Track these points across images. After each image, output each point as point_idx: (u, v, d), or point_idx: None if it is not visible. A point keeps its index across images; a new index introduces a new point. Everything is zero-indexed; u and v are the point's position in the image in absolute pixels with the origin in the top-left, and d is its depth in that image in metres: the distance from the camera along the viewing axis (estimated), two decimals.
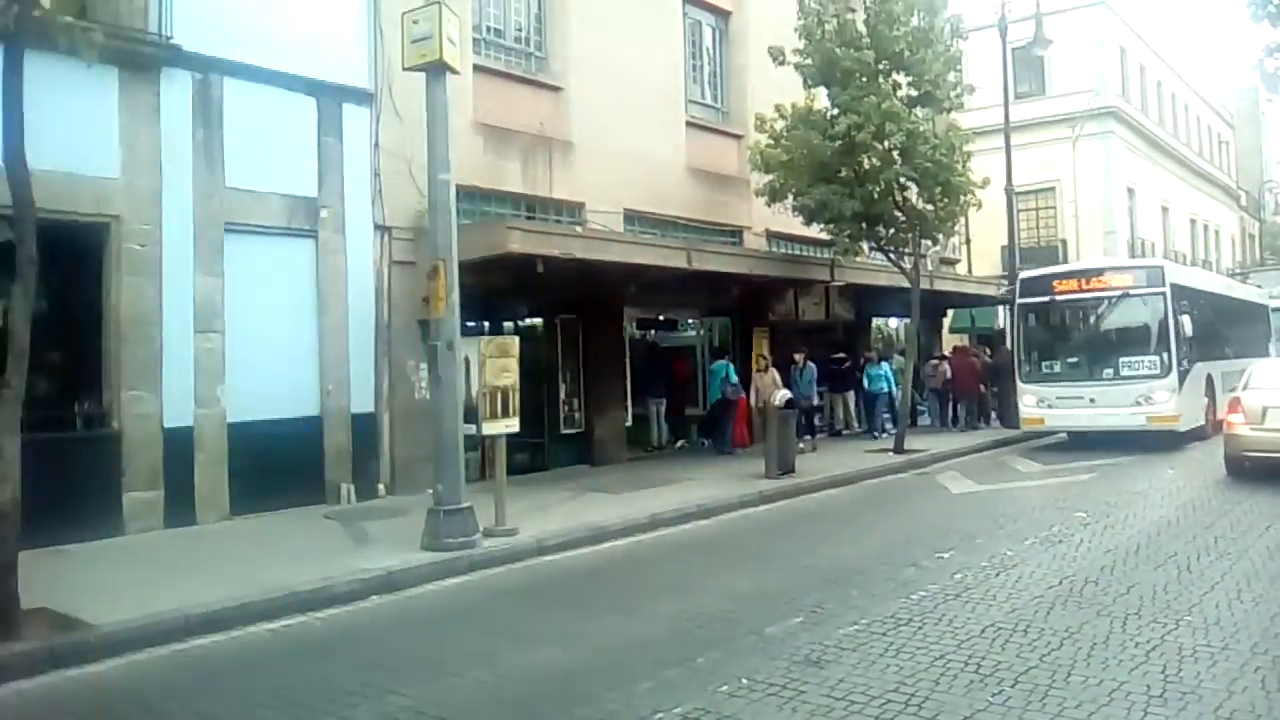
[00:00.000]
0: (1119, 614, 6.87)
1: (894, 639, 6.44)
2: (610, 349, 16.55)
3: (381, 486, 13.14)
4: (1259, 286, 29.47)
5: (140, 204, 10.99)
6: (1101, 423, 17.37)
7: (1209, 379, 18.81)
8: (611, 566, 9.60)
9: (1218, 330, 20.36)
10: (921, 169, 16.42)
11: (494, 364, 10.39)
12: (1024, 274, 19.83)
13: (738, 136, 19.40)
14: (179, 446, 11.15)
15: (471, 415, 10.20)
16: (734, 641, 6.54)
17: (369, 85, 13.21)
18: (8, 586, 6.82)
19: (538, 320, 15.99)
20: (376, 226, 13.29)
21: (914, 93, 16.85)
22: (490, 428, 10.41)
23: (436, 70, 10.03)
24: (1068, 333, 19.15)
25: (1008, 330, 22.04)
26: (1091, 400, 17.47)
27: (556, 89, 16.04)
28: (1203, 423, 18.13)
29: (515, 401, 10.64)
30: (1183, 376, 17.28)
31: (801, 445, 16.14)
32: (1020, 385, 18.69)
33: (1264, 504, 11.13)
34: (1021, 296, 19.19)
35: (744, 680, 5.69)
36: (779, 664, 5.98)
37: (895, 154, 16.24)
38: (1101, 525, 10.28)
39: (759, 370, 17.12)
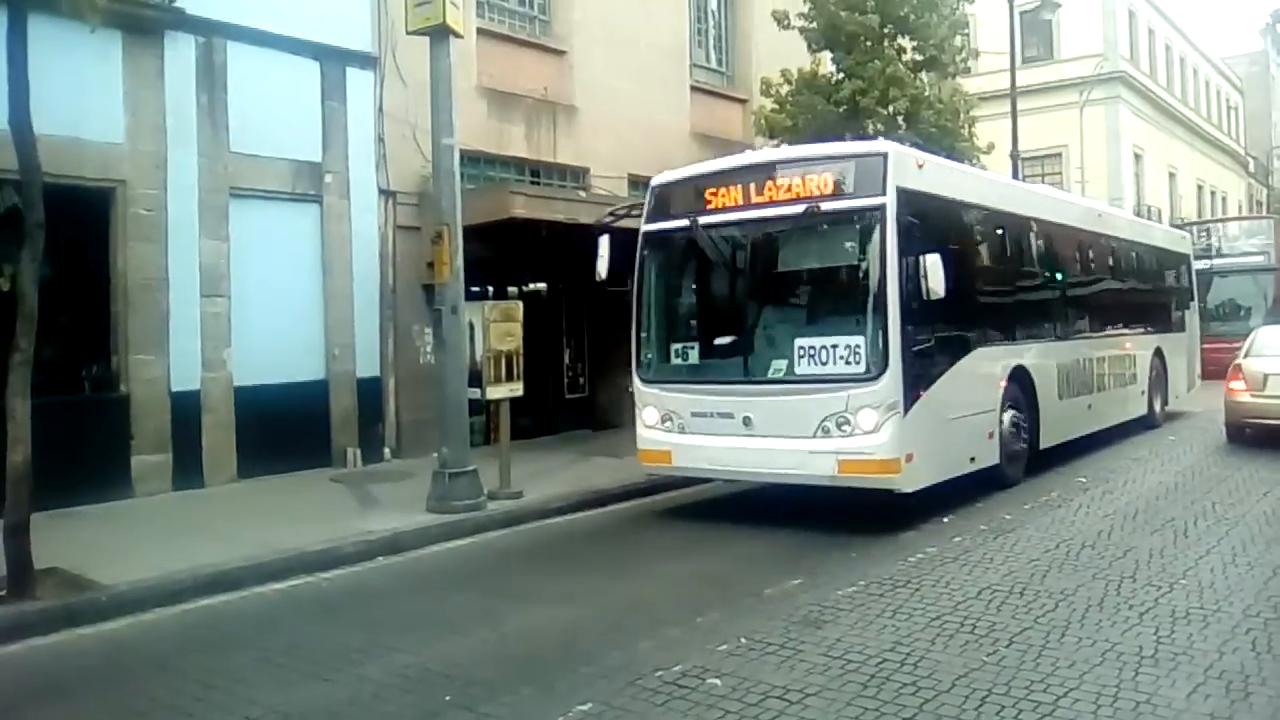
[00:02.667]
0: (1114, 577, 6.96)
1: (891, 600, 6.55)
2: (614, 314, 16.56)
3: (387, 450, 13.26)
4: (1243, 239, 27.75)
5: (145, 169, 11.02)
6: (763, 465, 9.18)
7: (1020, 379, 10.92)
8: (615, 529, 9.72)
9: (1057, 289, 12.59)
10: (926, 134, 16.40)
11: (498, 328, 10.46)
12: (658, 179, 10.47)
13: (742, 101, 19.32)
14: (186, 410, 11.25)
15: (476, 379, 10.28)
16: (734, 602, 6.65)
17: (372, 49, 13.19)
18: (22, 546, 6.93)
19: (542, 285, 16.02)
20: (381, 191, 13.31)
21: (919, 57, 16.83)
22: (494, 392, 10.50)
23: (439, 34, 10.02)
24: (716, 290, 10.26)
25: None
26: (746, 421, 9.16)
27: (560, 53, 15.99)
28: (997, 462, 10.27)
29: (519, 366, 10.72)
30: (918, 377, 8.89)
31: None
32: (637, 387, 10.17)
33: (1263, 470, 11.21)
34: (650, 221, 10.28)
35: (743, 640, 5.80)
36: (777, 624, 6.09)
37: (900, 119, 16.22)
38: (1100, 490, 10.38)
39: None
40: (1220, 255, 26.35)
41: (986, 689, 4.95)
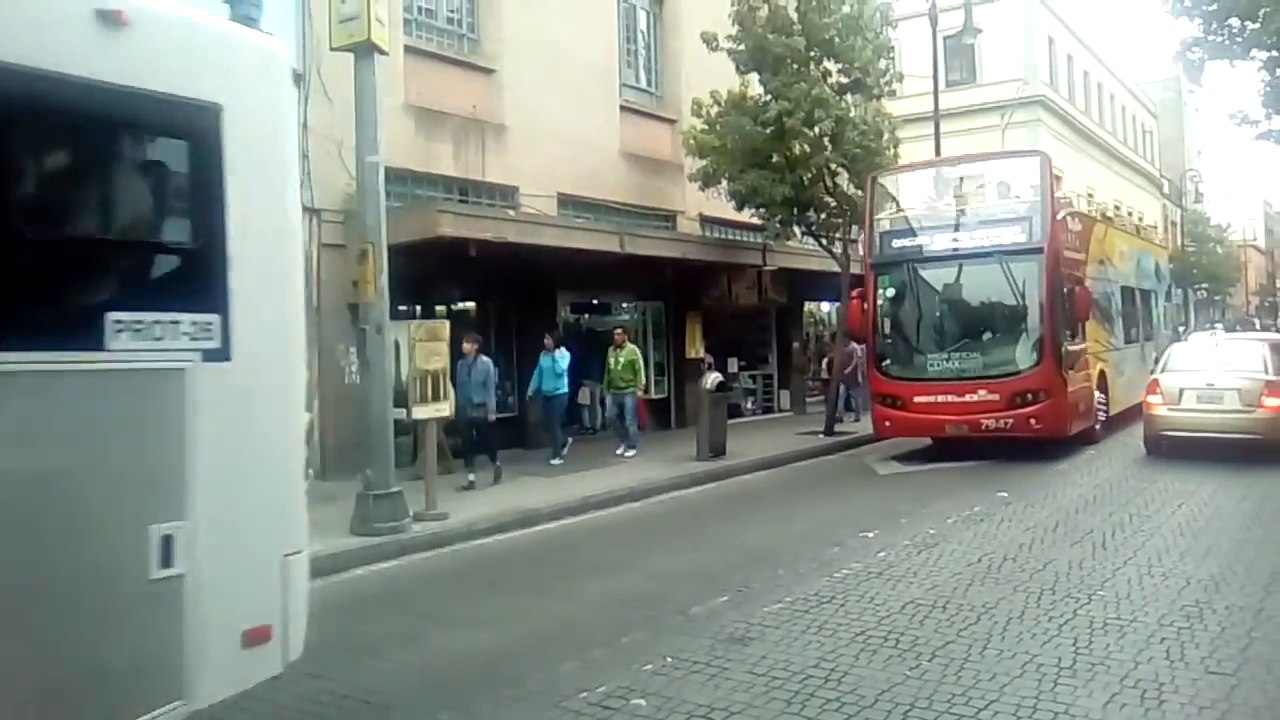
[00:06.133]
0: (1035, 589, 7.07)
1: (817, 616, 6.57)
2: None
3: (311, 472, 12.97)
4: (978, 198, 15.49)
5: None
6: None
7: None
8: (542, 549, 9.63)
9: None
10: (851, 155, 16.62)
11: (424, 348, 10.35)
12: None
13: (671, 121, 19.43)
14: None
15: (401, 399, 10.14)
16: (659, 621, 6.61)
17: (297, 66, 12.98)
18: None
19: (470, 304, 15.90)
20: (305, 209, 13.05)
21: (844, 80, 17.06)
22: (420, 411, 10.36)
23: (365, 51, 9.92)
24: None
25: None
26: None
27: (490, 71, 15.93)
28: None
29: (446, 386, 10.61)
30: None
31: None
32: None
33: (1178, 482, 11.49)
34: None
35: (668, 659, 5.76)
36: (703, 642, 6.07)
37: (825, 140, 16.41)
38: (1022, 504, 10.54)
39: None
40: (933, 228, 14.96)
41: (909, 703, 4.98)
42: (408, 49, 14.47)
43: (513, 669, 5.77)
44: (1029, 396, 13.59)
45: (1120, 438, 15.78)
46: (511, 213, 15.19)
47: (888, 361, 15.09)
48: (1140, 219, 50.41)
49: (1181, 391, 13.32)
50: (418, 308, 13.90)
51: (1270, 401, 12.73)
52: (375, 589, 8.23)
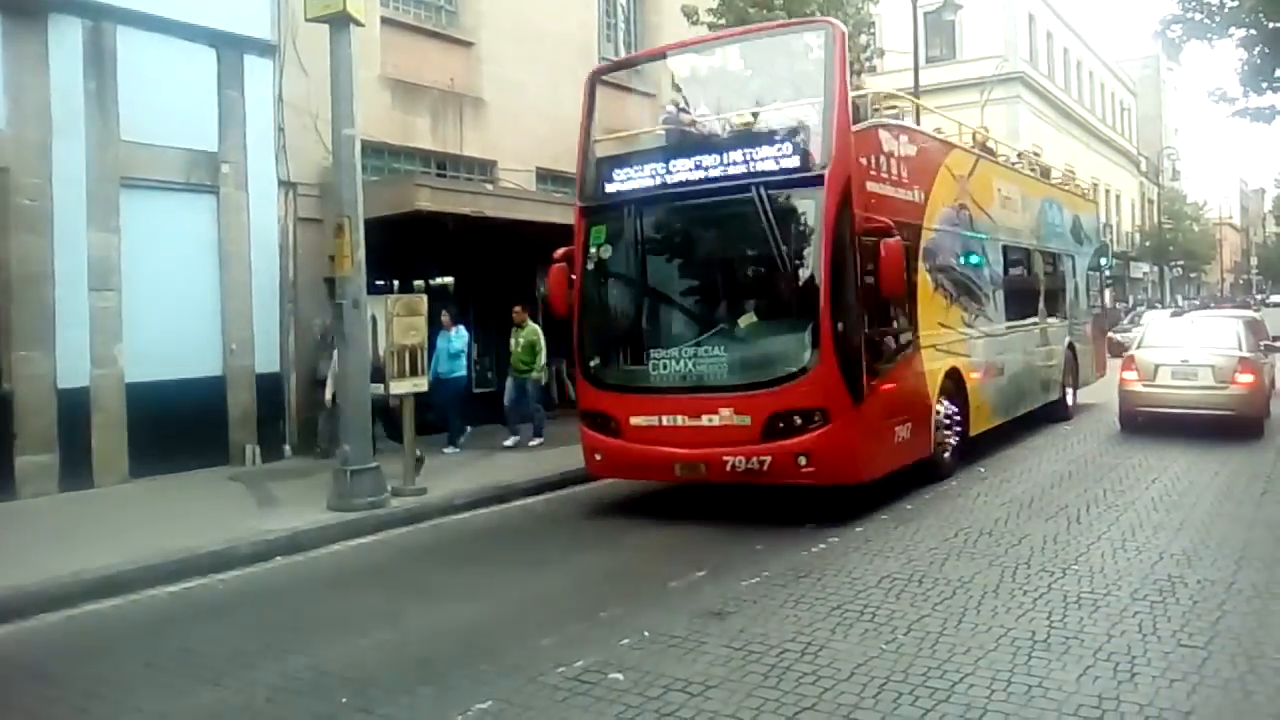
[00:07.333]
0: (1010, 564, 7.12)
1: (794, 590, 6.59)
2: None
3: (288, 448, 12.95)
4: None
5: (28, 157, 10.56)
6: None
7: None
8: (521, 524, 9.62)
9: None
10: None
11: (401, 322, 10.27)
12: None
13: (651, 96, 19.28)
14: (75, 408, 10.82)
15: (378, 374, 10.09)
16: (638, 596, 6.63)
17: (271, 37, 12.83)
18: None
19: (449, 279, 15.78)
20: (281, 182, 12.98)
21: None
22: (398, 386, 10.30)
23: (340, 22, 9.80)
24: None
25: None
26: None
27: (468, 44, 15.79)
28: None
29: (424, 360, 10.56)
30: None
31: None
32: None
33: (1153, 458, 11.58)
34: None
35: (646, 633, 5.78)
36: (680, 616, 6.08)
37: None
38: (999, 479, 10.61)
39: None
40: (667, 151, 9.92)
41: (885, 676, 5.01)
42: (384, 20, 14.33)
43: (490, 644, 5.78)
44: (795, 420, 8.49)
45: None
46: (490, 187, 15.10)
47: (596, 361, 9.76)
48: (1118, 196, 50.73)
49: (1157, 368, 13.42)
50: (395, 282, 13.76)
51: (1243, 378, 12.85)
52: (353, 565, 8.21)
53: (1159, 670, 5.00)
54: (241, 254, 12.53)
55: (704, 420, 8.79)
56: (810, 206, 8.69)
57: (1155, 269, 59.10)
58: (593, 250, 9.73)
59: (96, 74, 11.13)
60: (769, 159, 8.83)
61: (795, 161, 8.75)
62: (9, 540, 8.51)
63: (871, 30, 18.40)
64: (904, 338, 9.90)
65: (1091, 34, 48.87)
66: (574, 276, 9.80)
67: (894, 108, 11.65)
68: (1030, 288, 14.45)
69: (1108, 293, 45.21)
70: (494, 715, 4.77)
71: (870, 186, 9.25)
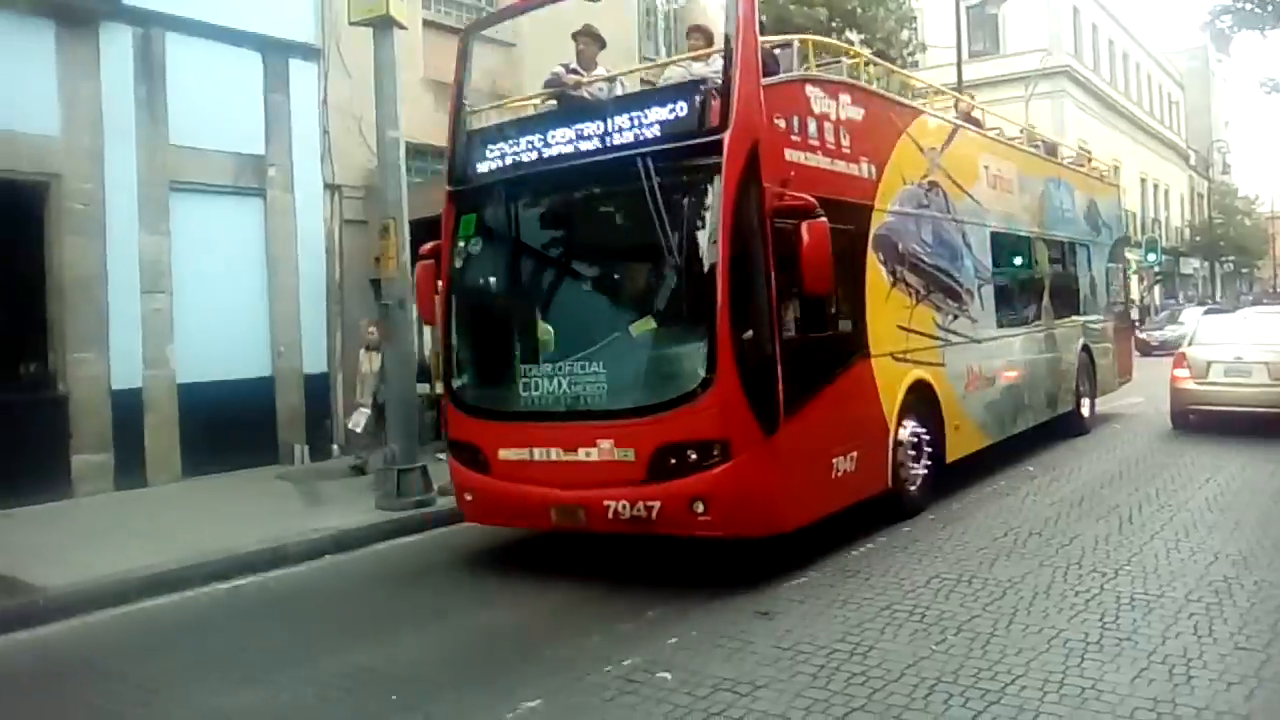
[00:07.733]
0: (1061, 564, 7.02)
1: (841, 590, 6.55)
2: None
3: (335, 447, 13.08)
4: None
5: (81, 162, 10.76)
6: None
7: None
8: None
9: None
10: None
11: None
12: None
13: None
14: (128, 408, 11.02)
15: (425, 374, 10.17)
16: (684, 597, 6.60)
17: (316, 41, 12.99)
18: None
19: None
20: (326, 185, 13.13)
21: (867, 50, 16.89)
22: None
23: (383, 25, 9.89)
24: None
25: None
26: None
27: (510, 45, 15.82)
28: None
29: None
30: None
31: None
32: None
33: (1206, 457, 11.37)
34: None
35: (693, 633, 5.77)
36: (728, 615, 6.07)
37: None
38: (1048, 479, 10.47)
39: None
40: (547, 121, 7.99)
41: (935, 677, 4.96)
42: (426, 23, 14.42)
43: (537, 642, 5.81)
44: (689, 455, 6.64)
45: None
46: None
47: (463, 380, 8.08)
48: (1167, 190, 49.85)
49: (1209, 365, 13.17)
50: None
51: None
52: (401, 563, 8.28)
53: (1216, 673, 4.91)
54: (288, 256, 12.69)
55: (581, 455, 6.98)
56: (705, 180, 6.79)
57: (1206, 265, 58.06)
58: (460, 244, 7.97)
59: (146, 80, 11.32)
60: (657, 124, 6.99)
61: (689, 125, 6.88)
62: (67, 538, 8.70)
63: (913, 25, 18.26)
64: (845, 346, 7.92)
65: (1137, 26, 48.16)
66: (440, 280, 8.07)
67: (835, 61, 9.50)
68: (1031, 283, 12.36)
69: (1156, 290, 44.70)
70: (543, 713, 4.78)
71: (791, 155, 7.26)
